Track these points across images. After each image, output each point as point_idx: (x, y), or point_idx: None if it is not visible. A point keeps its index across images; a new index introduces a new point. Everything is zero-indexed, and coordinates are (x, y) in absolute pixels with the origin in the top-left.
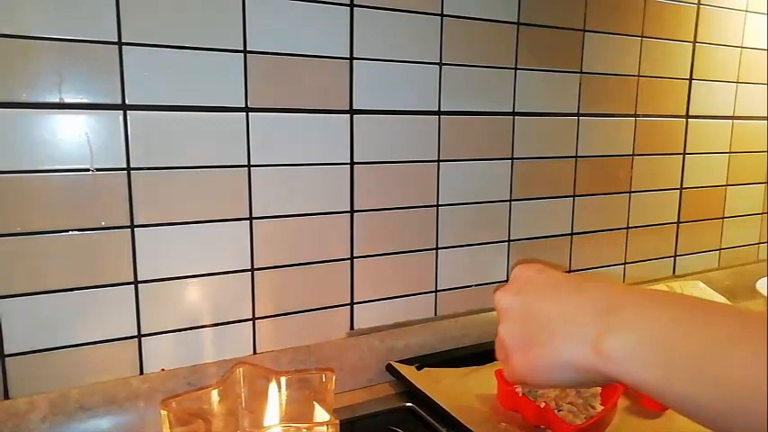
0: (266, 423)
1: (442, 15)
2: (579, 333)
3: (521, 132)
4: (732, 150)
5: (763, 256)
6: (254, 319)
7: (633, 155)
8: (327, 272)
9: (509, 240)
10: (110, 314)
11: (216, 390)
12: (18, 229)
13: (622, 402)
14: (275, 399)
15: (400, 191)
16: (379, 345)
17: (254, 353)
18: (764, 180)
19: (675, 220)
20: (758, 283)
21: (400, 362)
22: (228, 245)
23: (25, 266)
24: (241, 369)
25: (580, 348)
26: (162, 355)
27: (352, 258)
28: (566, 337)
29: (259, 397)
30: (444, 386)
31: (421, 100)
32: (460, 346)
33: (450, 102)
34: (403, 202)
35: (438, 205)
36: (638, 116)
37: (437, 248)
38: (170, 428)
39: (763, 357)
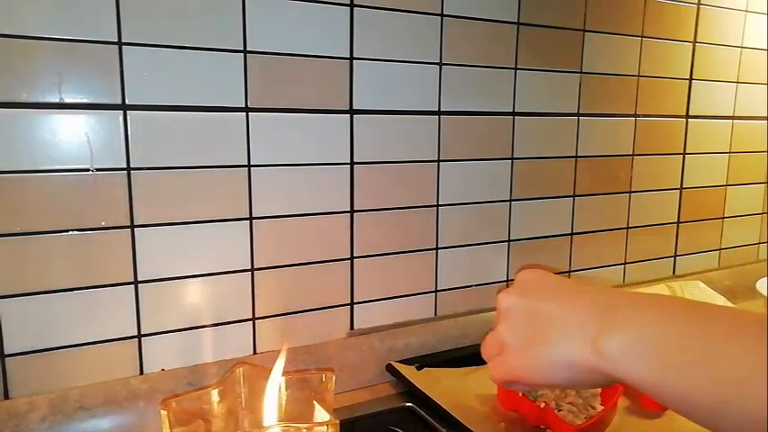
0: (266, 423)
1: (442, 15)
2: (578, 332)
3: (521, 132)
4: (732, 150)
5: (763, 256)
6: (254, 319)
7: (633, 155)
8: (327, 272)
9: (509, 240)
10: (110, 314)
11: (216, 390)
12: (18, 229)
13: (622, 402)
14: (275, 399)
15: (400, 191)
16: (379, 345)
17: (254, 353)
18: (764, 180)
19: (675, 220)
20: (758, 283)
21: (400, 362)
22: (228, 245)
23: (25, 266)
24: (241, 369)
25: (579, 347)
26: (162, 355)
27: (352, 258)
28: (565, 335)
29: (259, 397)
30: (444, 386)
31: (421, 100)
32: (460, 346)
33: (451, 102)
34: (403, 202)
35: (438, 205)
36: (638, 116)
37: (437, 248)
38: (170, 428)
39: (758, 356)
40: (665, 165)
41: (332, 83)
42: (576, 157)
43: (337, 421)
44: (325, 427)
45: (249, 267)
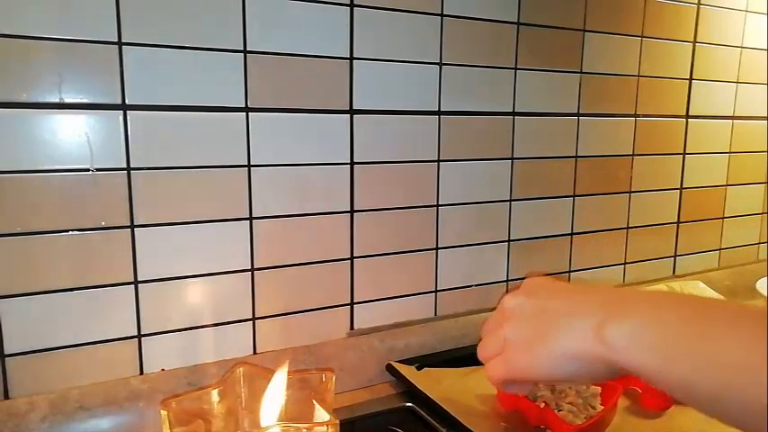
0: (266, 423)
1: (442, 15)
2: (582, 323)
3: (521, 132)
4: (732, 150)
5: (763, 256)
6: (254, 319)
7: (633, 155)
8: (327, 272)
9: (509, 240)
10: (110, 314)
11: (216, 390)
12: (18, 229)
13: (622, 402)
14: (275, 399)
15: (400, 191)
16: (379, 345)
17: (254, 353)
18: (764, 180)
19: (675, 220)
20: (758, 283)
21: (400, 362)
22: (228, 245)
23: (25, 266)
24: (241, 369)
25: (583, 337)
26: (162, 355)
27: (352, 258)
28: (569, 327)
29: (259, 397)
30: (444, 386)
31: (421, 100)
32: (460, 346)
33: (450, 102)
34: (403, 202)
35: (438, 205)
36: (638, 116)
37: (437, 248)
38: (170, 428)
39: (760, 343)
40: (665, 165)
41: (332, 83)
42: (576, 157)
43: (337, 421)
44: (325, 427)
45: (249, 267)
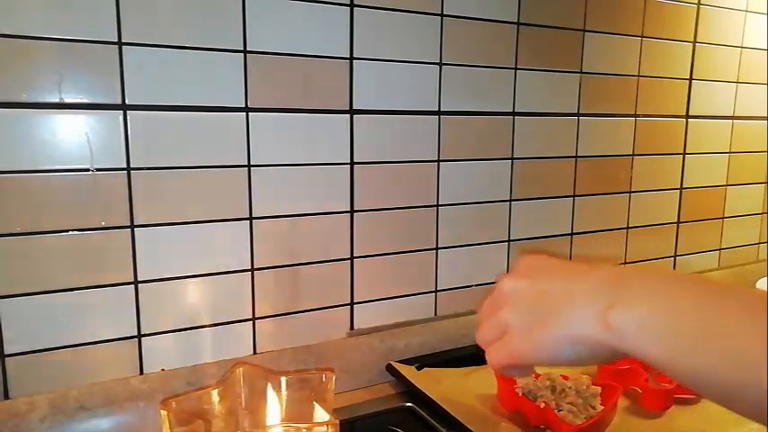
0: (266, 423)
1: (442, 15)
2: (587, 307)
3: (521, 132)
4: (732, 150)
5: (763, 256)
6: (254, 319)
7: (633, 155)
8: (327, 272)
9: (509, 240)
10: (110, 314)
11: (216, 390)
12: (18, 229)
13: (622, 402)
14: (275, 399)
15: (400, 191)
16: (379, 345)
17: (254, 353)
18: (764, 180)
19: (675, 220)
20: (758, 283)
21: (400, 362)
22: (228, 245)
23: (25, 266)
24: (241, 369)
25: (588, 322)
26: (162, 355)
27: (352, 258)
28: (573, 311)
29: (259, 397)
30: (444, 386)
31: (421, 100)
32: (460, 346)
33: (450, 102)
34: (403, 202)
35: (438, 205)
36: (638, 116)
37: (437, 248)
38: (170, 428)
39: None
40: (665, 165)
41: (332, 83)
42: (576, 157)
43: (337, 421)
44: (325, 427)
45: (249, 267)
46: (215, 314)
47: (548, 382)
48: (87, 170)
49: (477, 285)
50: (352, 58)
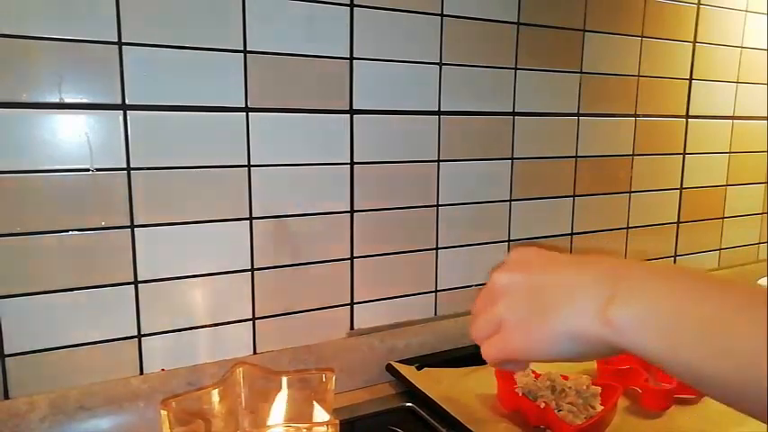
0: (266, 423)
1: (442, 15)
2: (585, 303)
3: (521, 132)
4: (732, 150)
5: (763, 256)
6: (253, 319)
7: (633, 155)
8: (327, 272)
9: (509, 240)
10: (110, 314)
11: (216, 390)
12: (18, 229)
13: (622, 402)
14: (275, 399)
15: (400, 191)
16: (379, 345)
17: (254, 353)
18: (764, 180)
19: (675, 220)
20: (758, 283)
21: (400, 362)
22: (228, 245)
23: (25, 266)
24: (241, 369)
25: (586, 318)
26: (162, 355)
27: (352, 258)
28: (570, 307)
29: (259, 397)
30: (444, 386)
31: (421, 100)
32: (460, 346)
33: (450, 102)
34: (403, 202)
35: (438, 205)
36: (638, 116)
37: (437, 248)
38: (170, 428)
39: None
40: (665, 165)
41: (332, 83)
42: (576, 157)
43: (337, 421)
44: (325, 427)
45: (249, 267)
46: (215, 314)
47: (548, 382)
48: (87, 170)
49: (477, 285)
50: (352, 58)
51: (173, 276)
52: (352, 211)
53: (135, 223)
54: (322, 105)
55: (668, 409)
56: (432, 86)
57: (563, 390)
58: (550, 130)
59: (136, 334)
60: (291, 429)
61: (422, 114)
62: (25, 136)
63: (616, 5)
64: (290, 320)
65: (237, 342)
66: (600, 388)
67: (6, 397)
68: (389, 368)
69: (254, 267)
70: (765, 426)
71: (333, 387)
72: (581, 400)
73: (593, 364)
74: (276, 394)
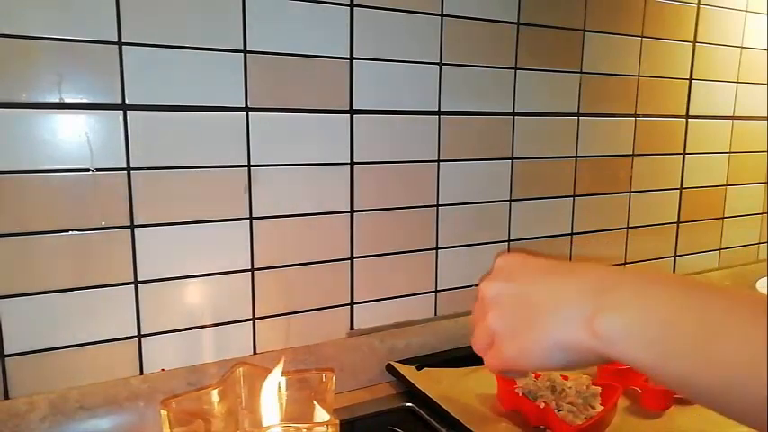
0: (266, 423)
1: (442, 15)
2: (573, 313)
3: (521, 132)
4: (732, 150)
5: (763, 256)
6: (254, 319)
7: (633, 155)
8: (327, 272)
9: (509, 240)
10: (110, 314)
11: (216, 390)
12: (18, 229)
13: (622, 402)
14: (275, 399)
15: (400, 191)
16: (380, 345)
17: (254, 353)
18: (764, 180)
19: (675, 220)
20: (758, 282)
21: (400, 362)
22: (228, 245)
23: (25, 266)
24: (241, 369)
25: (574, 328)
26: (162, 355)
27: (352, 258)
28: (559, 317)
29: (259, 397)
30: (444, 386)
31: (421, 100)
32: (460, 346)
33: (450, 102)
34: (403, 202)
35: (438, 205)
36: (638, 116)
37: (437, 248)
38: (170, 428)
39: (759, 334)
40: (665, 165)
41: (332, 83)
42: (576, 157)
43: (337, 421)
44: (325, 427)
45: (249, 267)
46: (215, 314)
47: (548, 383)
48: (87, 170)
49: (477, 285)
50: (352, 58)
51: (173, 276)
52: (352, 211)
53: (135, 223)
54: (322, 105)
55: (668, 409)
56: (432, 86)
57: (563, 390)
58: (550, 130)
59: (136, 334)
60: (291, 429)
61: (422, 114)
62: (25, 136)
63: (616, 5)
64: (290, 320)
65: (237, 342)
66: (600, 388)
67: (6, 397)
68: (389, 368)
69: (254, 267)
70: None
71: (333, 387)
72: (581, 400)
73: None
74: (276, 394)
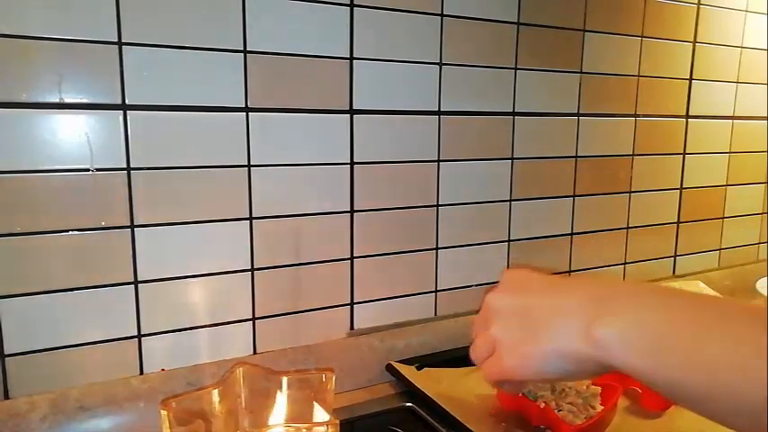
0: (266, 423)
1: (442, 15)
2: (570, 323)
3: (521, 132)
4: (732, 150)
5: (763, 256)
6: (253, 319)
7: (633, 155)
8: (327, 272)
9: (509, 240)
10: (110, 314)
11: (216, 390)
12: (18, 229)
13: (622, 402)
14: (275, 399)
15: (400, 191)
16: (379, 345)
17: (254, 353)
18: (764, 180)
19: (675, 220)
20: (758, 283)
21: (400, 362)
22: (228, 245)
23: (25, 266)
24: (241, 369)
25: (572, 337)
26: (162, 355)
27: (352, 258)
28: (557, 327)
29: (259, 397)
30: (444, 386)
31: (421, 100)
32: (460, 346)
33: (450, 102)
34: (403, 202)
35: (438, 205)
36: (638, 116)
37: (437, 248)
38: (170, 428)
39: (748, 341)
40: (665, 165)
41: (332, 83)
42: (576, 157)
43: (337, 421)
44: (325, 427)
45: (249, 267)
46: (215, 314)
47: (548, 383)
48: (87, 170)
49: (477, 285)
50: (352, 58)
51: (173, 276)
52: (352, 211)
53: (135, 223)
54: (322, 105)
55: (668, 409)
56: (432, 86)
57: (563, 390)
58: (550, 130)
59: (136, 334)
60: (291, 429)
61: (422, 114)
62: (25, 136)
63: (616, 5)
64: (290, 320)
65: (237, 342)
66: (600, 388)
67: (6, 397)
68: (389, 368)
69: (254, 267)
70: None
71: (333, 387)
72: (581, 400)
73: None
74: (276, 394)
